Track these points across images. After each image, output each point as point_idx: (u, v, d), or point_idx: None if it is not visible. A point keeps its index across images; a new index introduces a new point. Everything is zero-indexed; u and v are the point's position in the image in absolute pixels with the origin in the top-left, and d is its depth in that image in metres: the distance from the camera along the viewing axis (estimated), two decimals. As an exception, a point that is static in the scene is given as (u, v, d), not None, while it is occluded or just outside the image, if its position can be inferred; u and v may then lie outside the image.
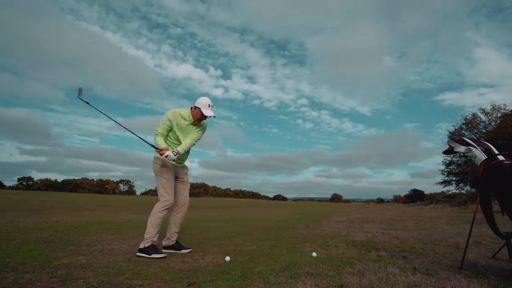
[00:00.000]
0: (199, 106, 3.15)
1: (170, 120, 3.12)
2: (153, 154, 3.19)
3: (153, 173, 3.17)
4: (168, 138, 3.20)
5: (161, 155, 2.96)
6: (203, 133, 3.35)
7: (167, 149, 2.98)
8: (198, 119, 3.19)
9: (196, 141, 3.28)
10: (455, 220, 9.32)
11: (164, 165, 3.13)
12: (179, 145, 3.15)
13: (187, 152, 3.29)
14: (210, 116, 3.17)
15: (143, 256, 2.86)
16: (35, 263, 2.45)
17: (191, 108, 3.23)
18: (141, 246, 2.93)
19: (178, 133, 3.16)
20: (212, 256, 2.99)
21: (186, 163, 3.41)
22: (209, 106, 3.15)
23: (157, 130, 3.14)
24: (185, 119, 3.17)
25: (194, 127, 3.23)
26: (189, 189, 3.44)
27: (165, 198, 3.06)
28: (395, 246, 3.83)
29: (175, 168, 3.23)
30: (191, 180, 3.52)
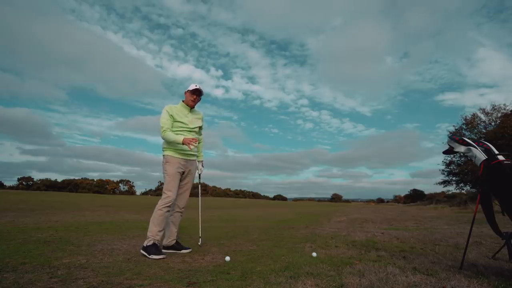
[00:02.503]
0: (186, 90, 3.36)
1: (169, 113, 3.20)
2: (160, 154, 3.26)
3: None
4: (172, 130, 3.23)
5: (189, 146, 3.06)
6: (202, 121, 3.51)
7: (186, 139, 3.08)
8: (189, 100, 3.32)
9: (201, 134, 3.57)
10: (455, 220, 9.32)
11: (168, 161, 3.17)
12: (184, 133, 3.23)
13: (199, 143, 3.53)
14: (197, 90, 3.27)
15: (144, 255, 2.88)
16: (35, 263, 2.45)
17: (182, 100, 3.39)
18: (144, 244, 2.95)
19: (181, 122, 3.23)
20: (212, 256, 2.99)
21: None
22: (195, 86, 3.29)
23: (162, 127, 3.14)
24: (181, 109, 3.32)
25: (194, 114, 3.39)
26: (190, 189, 3.44)
27: (166, 195, 3.09)
28: (395, 246, 3.82)
29: (183, 162, 3.23)
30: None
